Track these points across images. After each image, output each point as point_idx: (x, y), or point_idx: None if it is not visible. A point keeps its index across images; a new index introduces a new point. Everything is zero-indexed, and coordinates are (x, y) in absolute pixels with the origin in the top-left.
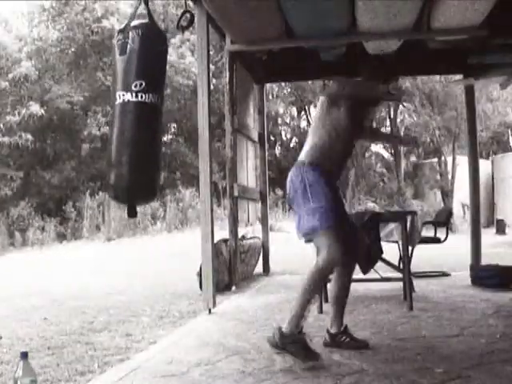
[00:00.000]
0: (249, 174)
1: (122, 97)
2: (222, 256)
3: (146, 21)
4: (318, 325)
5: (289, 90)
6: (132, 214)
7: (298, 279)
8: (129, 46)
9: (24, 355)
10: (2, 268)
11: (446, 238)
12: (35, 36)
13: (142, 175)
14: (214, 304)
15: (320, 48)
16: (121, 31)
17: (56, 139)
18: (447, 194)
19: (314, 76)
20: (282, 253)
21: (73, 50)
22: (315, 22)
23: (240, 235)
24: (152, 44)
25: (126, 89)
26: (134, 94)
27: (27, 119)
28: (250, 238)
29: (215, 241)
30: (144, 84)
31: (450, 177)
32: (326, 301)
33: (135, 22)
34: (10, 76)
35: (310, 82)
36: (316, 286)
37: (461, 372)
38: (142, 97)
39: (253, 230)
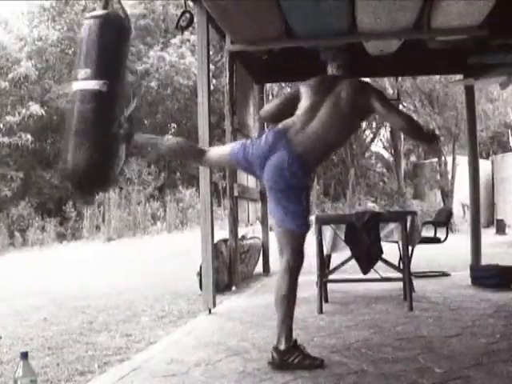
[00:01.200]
0: None
1: (70, 86)
2: (221, 256)
3: (101, 12)
4: (319, 325)
5: (289, 89)
6: (80, 196)
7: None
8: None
9: (24, 355)
10: (2, 268)
11: (445, 238)
12: (35, 36)
13: (85, 163)
14: (214, 304)
15: (320, 48)
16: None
17: (56, 139)
18: (447, 194)
19: (313, 76)
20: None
21: (73, 50)
22: (315, 21)
23: (240, 235)
24: (101, 32)
25: (76, 78)
26: (80, 84)
27: (27, 119)
28: (250, 238)
29: (215, 241)
30: (93, 72)
31: (450, 177)
32: (326, 301)
33: (89, 14)
34: (10, 76)
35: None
36: (294, 289)
37: (461, 372)
38: (91, 85)
39: (253, 230)
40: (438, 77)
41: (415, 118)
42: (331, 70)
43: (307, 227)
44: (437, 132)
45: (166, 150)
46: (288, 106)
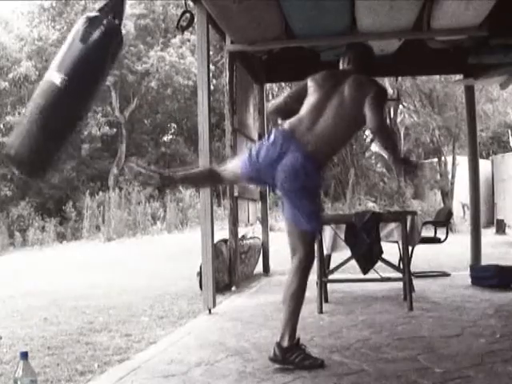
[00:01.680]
0: None
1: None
2: (222, 256)
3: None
4: (319, 325)
5: (288, 90)
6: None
7: None
8: (91, 38)
9: (24, 355)
10: (2, 268)
11: (445, 238)
12: (35, 36)
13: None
14: (214, 304)
15: (320, 48)
16: (90, 20)
17: None
18: (447, 194)
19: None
20: (282, 253)
21: None
22: (315, 21)
23: (240, 235)
24: (105, 44)
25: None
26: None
27: None
28: (250, 238)
29: (215, 241)
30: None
31: (449, 177)
32: (326, 301)
33: (107, 20)
34: (10, 76)
35: None
36: (304, 287)
37: (461, 372)
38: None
39: (253, 230)
40: (438, 77)
41: (415, 118)
42: (342, 64)
43: (321, 226)
44: (418, 168)
45: (179, 181)
46: (296, 101)
